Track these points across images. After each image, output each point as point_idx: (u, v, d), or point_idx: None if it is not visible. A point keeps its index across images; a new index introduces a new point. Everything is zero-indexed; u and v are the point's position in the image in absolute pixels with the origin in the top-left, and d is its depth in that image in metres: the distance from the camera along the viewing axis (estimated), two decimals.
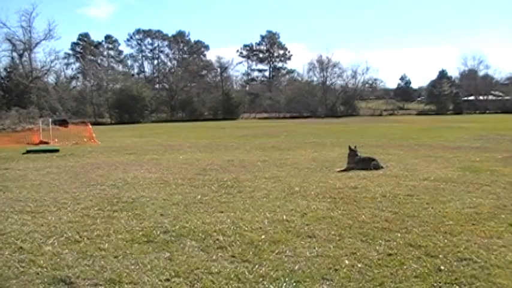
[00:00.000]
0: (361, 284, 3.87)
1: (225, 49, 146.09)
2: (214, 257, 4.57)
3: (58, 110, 49.32)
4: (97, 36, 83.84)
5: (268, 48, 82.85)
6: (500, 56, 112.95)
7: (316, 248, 4.76)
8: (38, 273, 4.21)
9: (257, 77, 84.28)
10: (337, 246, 4.80)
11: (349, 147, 10.92)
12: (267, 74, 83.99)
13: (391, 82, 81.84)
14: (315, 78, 70.95)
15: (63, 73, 68.14)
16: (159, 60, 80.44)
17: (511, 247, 4.71)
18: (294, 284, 3.90)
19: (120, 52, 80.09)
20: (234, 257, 4.57)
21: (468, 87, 68.59)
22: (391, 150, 14.87)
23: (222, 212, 6.40)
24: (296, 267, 4.25)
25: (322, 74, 69.31)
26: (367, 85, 71.44)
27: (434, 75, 73.06)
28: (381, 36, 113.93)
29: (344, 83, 69.30)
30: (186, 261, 4.46)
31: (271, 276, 4.07)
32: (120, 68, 77.36)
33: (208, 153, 15.21)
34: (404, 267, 4.20)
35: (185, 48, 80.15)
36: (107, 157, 14.41)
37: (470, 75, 70.84)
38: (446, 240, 4.93)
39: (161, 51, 79.81)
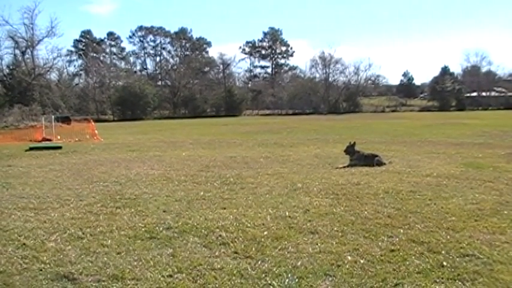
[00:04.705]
0: (363, 280, 3.87)
1: (228, 46, 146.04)
2: (217, 253, 4.57)
3: (61, 107, 49.28)
4: (99, 34, 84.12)
5: (271, 44, 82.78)
6: (503, 52, 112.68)
7: (319, 244, 4.75)
8: (41, 270, 4.22)
9: (260, 73, 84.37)
10: (339, 243, 4.80)
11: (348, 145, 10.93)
12: (269, 70, 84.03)
13: (394, 79, 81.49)
14: (318, 75, 71.11)
15: (65, 70, 68.33)
16: (162, 57, 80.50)
17: None
18: (297, 280, 3.89)
19: (123, 49, 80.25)
20: (236, 253, 4.57)
21: (471, 84, 68.37)
22: (394, 147, 14.86)
23: (224, 209, 6.40)
24: (299, 263, 4.25)
25: (324, 71, 69.40)
26: (369, 82, 71.35)
27: (436, 72, 73.07)
28: (383, 32, 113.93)
29: (346, 80, 69.24)
30: (189, 257, 4.47)
31: (274, 272, 4.07)
32: (123, 65, 77.48)
33: (211, 150, 15.23)
34: (407, 263, 4.20)
35: (187, 45, 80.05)
36: (110, 154, 14.43)
37: (473, 71, 70.68)
38: (448, 236, 4.92)
39: (163, 48, 79.83)
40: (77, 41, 74.87)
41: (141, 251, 4.68)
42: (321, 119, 44.59)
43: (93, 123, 27.51)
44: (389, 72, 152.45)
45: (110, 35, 78.77)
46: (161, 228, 5.43)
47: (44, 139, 21.48)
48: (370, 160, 10.38)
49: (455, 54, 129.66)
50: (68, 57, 71.14)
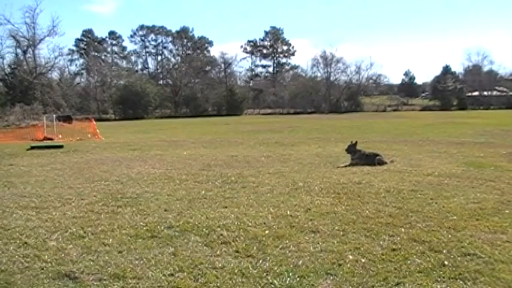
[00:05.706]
0: (365, 279, 3.86)
1: (229, 45, 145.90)
2: (218, 252, 4.57)
3: (62, 106, 49.40)
4: (101, 33, 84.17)
5: (272, 43, 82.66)
6: (505, 51, 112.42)
7: (320, 243, 4.75)
8: (42, 268, 4.23)
9: (261, 72, 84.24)
10: (341, 242, 4.80)
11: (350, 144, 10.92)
12: (270, 69, 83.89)
13: (395, 78, 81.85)
14: (319, 74, 71.02)
15: (67, 69, 68.55)
16: (163, 56, 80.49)
17: None
18: (298, 279, 3.89)
19: (124, 48, 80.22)
20: (238, 252, 4.57)
21: (472, 83, 68.26)
22: (395, 146, 14.85)
23: (226, 207, 6.40)
24: (300, 262, 4.25)
25: (326, 70, 69.29)
26: (371, 81, 71.28)
27: (438, 71, 72.94)
28: (384, 31, 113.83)
29: (348, 79, 69.10)
30: (190, 256, 4.47)
31: (275, 271, 4.07)
32: (124, 64, 77.46)
33: (212, 149, 15.23)
34: (408, 262, 4.20)
35: (189, 44, 79.99)
36: (111, 153, 14.44)
37: (474, 70, 70.51)
38: (450, 236, 4.92)
39: (165, 47, 79.82)
40: (78, 40, 75.00)
41: (143, 250, 4.68)
42: (322, 118, 44.57)
43: (94, 122, 27.50)
44: (390, 71, 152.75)
45: (111, 34, 78.80)
46: (162, 227, 5.43)
47: (46, 138, 21.50)
48: (372, 159, 10.37)
49: (457, 54, 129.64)
50: (70, 56, 71.47)
